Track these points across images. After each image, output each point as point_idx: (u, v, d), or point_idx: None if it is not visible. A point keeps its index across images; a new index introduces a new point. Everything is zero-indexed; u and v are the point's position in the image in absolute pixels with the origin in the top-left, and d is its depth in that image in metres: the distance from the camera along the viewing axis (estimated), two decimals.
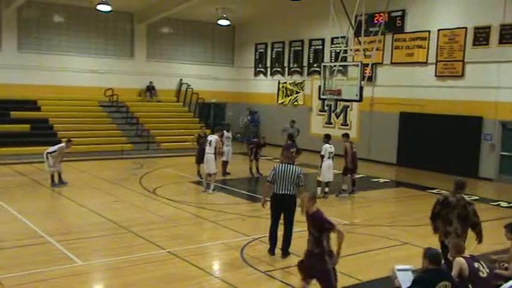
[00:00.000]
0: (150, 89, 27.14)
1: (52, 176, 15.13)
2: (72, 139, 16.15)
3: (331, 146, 14.81)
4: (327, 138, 15.01)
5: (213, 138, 15.05)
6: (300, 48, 26.54)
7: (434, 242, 9.54)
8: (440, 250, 7.75)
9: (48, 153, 15.10)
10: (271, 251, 9.38)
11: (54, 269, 8.31)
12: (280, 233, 9.41)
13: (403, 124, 21.55)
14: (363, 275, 8.52)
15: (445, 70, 20.00)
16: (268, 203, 9.46)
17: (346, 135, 15.52)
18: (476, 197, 15.70)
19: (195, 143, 17.25)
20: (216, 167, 15.05)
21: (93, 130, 22.98)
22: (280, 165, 9.35)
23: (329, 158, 14.69)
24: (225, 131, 17.82)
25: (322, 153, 14.70)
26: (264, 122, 28.56)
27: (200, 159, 15.97)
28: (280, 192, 9.18)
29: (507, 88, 18.18)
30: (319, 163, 14.81)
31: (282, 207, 9.29)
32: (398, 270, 6.20)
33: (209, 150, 14.85)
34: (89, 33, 25.94)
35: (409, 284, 5.89)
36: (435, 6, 20.64)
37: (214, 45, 30.04)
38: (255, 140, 18.93)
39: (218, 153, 15.08)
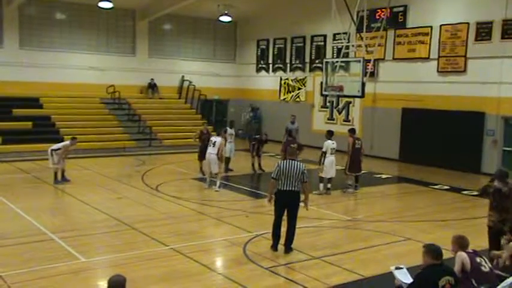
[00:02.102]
0: (152, 86, 27.15)
1: (55, 173, 15.16)
2: (75, 136, 16.15)
3: (333, 142, 14.78)
4: (329, 134, 14.99)
5: (217, 140, 14.97)
6: (301, 44, 26.51)
7: (437, 237, 9.57)
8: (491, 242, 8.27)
9: (52, 150, 15.11)
10: (274, 247, 9.40)
11: (57, 266, 8.33)
12: (283, 229, 9.43)
13: (405, 120, 21.52)
14: (366, 270, 8.52)
15: (447, 66, 19.96)
16: (272, 200, 9.47)
17: (350, 131, 15.52)
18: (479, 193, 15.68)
19: (197, 139, 17.25)
20: (219, 166, 15.09)
21: (95, 127, 22.97)
22: (284, 161, 9.35)
23: (331, 154, 14.68)
24: (228, 128, 17.83)
25: (324, 149, 14.67)
26: (266, 119, 28.53)
27: (202, 156, 15.96)
28: (285, 189, 9.19)
29: (509, 83, 18.13)
30: (321, 159, 14.80)
31: (286, 204, 9.29)
32: (395, 269, 6.19)
33: (212, 150, 14.82)
34: (91, 30, 25.94)
35: (409, 282, 5.88)
36: (437, 2, 20.58)
37: (216, 41, 30.01)
38: (257, 136, 18.93)
39: (219, 156, 14.95)
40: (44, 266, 8.31)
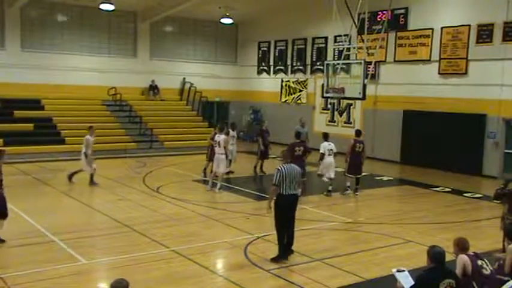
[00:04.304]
0: (153, 87, 27.16)
1: (91, 175, 15.13)
2: (91, 125, 16.01)
3: (330, 143, 14.95)
4: (325, 136, 15.15)
5: (221, 138, 15.08)
6: (303, 46, 26.52)
7: (438, 240, 9.55)
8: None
9: (83, 153, 15.07)
10: (284, 257, 9.03)
11: (58, 268, 8.34)
12: None
13: (406, 122, 21.51)
14: (367, 273, 8.52)
15: (449, 68, 19.95)
16: (273, 206, 9.19)
17: (356, 132, 15.60)
18: (480, 195, 15.69)
19: (212, 141, 16.81)
20: (226, 167, 15.16)
21: (96, 129, 22.75)
22: (285, 166, 9.19)
23: (329, 155, 14.81)
24: (230, 130, 17.77)
25: (321, 151, 14.84)
26: (267, 121, 28.42)
27: (212, 156, 15.75)
28: (289, 193, 9.04)
29: (511, 85, 18.12)
30: (318, 161, 15.02)
31: (290, 207, 9.17)
32: (397, 272, 6.17)
33: (219, 150, 14.93)
34: (92, 32, 25.99)
35: (411, 284, 5.85)
36: (438, 4, 20.59)
37: (217, 43, 30.04)
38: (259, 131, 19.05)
39: (225, 152, 15.11)
40: (44, 267, 8.31)
